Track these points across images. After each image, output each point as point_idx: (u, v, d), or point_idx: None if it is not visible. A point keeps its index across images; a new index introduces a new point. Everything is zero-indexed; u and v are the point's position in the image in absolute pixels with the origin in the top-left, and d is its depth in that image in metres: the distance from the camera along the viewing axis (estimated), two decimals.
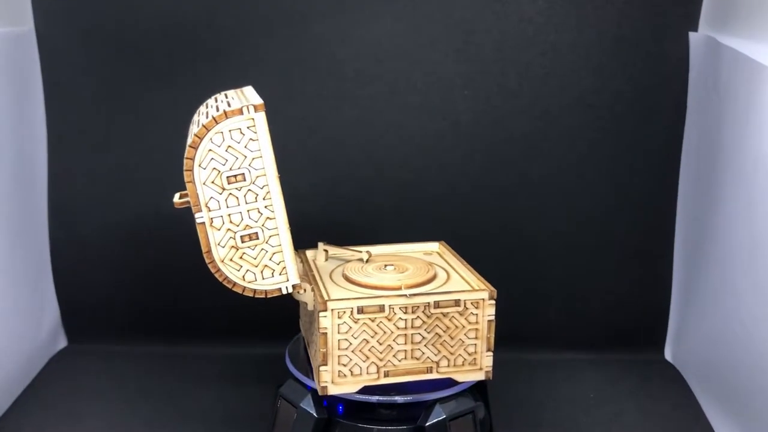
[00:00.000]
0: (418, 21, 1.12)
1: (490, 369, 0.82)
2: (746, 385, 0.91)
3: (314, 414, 0.81)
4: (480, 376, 0.82)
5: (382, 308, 0.77)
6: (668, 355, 1.22)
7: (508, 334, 1.05)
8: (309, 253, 0.95)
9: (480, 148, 1.16)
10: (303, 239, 0.93)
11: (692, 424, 1.02)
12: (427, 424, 0.79)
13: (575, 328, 1.22)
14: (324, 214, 1.16)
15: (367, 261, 0.90)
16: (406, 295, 0.78)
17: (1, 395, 1.03)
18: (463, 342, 0.80)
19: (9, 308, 1.06)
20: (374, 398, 0.80)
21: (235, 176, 0.73)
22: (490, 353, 0.82)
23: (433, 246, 0.99)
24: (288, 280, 0.76)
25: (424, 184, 1.17)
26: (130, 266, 1.21)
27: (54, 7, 1.12)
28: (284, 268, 0.76)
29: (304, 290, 0.79)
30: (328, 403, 0.83)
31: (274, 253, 0.75)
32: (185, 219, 1.20)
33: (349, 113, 1.15)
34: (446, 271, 0.90)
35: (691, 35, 1.11)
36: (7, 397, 1.04)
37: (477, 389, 0.86)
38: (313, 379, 0.82)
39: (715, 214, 1.02)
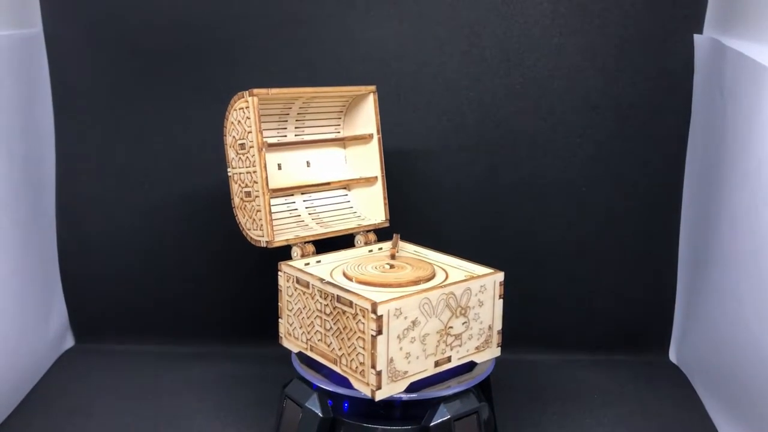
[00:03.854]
0: (425, 23, 1.12)
1: (375, 389, 0.76)
2: (750, 386, 0.91)
3: (319, 414, 0.82)
4: (366, 391, 0.77)
5: (307, 285, 0.84)
6: (672, 356, 1.22)
7: (512, 335, 1.05)
8: (387, 243, 1.00)
9: (485, 150, 1.16)
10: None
11: (696, 425, 1.02)
12: (432, 424, 0.79)
13: (580, 329, 1.22)
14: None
15: (392, 257, 0.92)
16: (321, 280, 0.82)
17: (10, 393, 1.03)
18: (355, 347, 0.78)
19: (18, 308, 1.07)
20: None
21: (242, 145, 0.89)
22: (373, 371, 0.75)
23: (483, 269, 0.89)
24: (264, 236, 0.89)
25: (430, 185, 1.17)
26: (136, 267, 1.21)
27: (62, 9, 1.13)
28: (262, 225, 0.89)
29: (296, 254, 0.92)
30: (333, 403, 0.83)
31: (257, 212, 0.90)
32: (191, 221, 1.21)
33: None
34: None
35: (696, 37, 1.11)
36: (16, 395, 1.05)
37: (481, 389, 0.86)
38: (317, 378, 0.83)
39: (720, 216, 1.02)
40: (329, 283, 0.81)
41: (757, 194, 0.89)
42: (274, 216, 0.95)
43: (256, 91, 0.86)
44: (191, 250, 1.21)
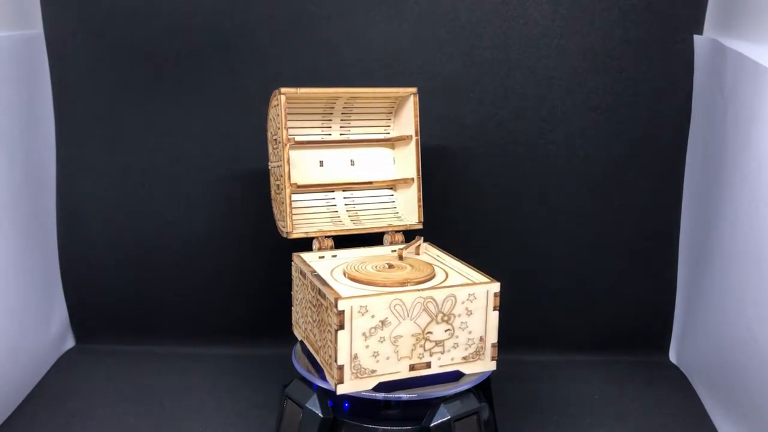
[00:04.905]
0: (425, 24, 1.13)
1: (335, 384, 0.77)
2: (750, 386, 0.91)
3: (320, 414, 0.82)
4: (332, 384, 0.78)
5: (304, 275, 0.86)
6: (673, 357, 1.22)
7: (513, 335, 1.06)
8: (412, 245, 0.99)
9: (485, 151, 1.16)
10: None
11: (696, 425, 1.02)
12: (432, 424, 0.79)
13: (580, 329, 1.22)
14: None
15: (401, 259, 0.93)
16: (312, 272, 0.85)
17: (11, 393, 1.04)
18: (326, 340, 0.79)
19: (19, 308, 1.07)
20: (380, 395, 0.80)
21: (275, 140, 0.95)
22: (334, 365, 0.77)
23: (480, 277, 0.86)
24: (286, 227, 0.93)
25: (430, 186, 1.17)
26: (136, 267, 1.21)
27: (63, 10, 1.13)
28: (285, 217, 0.93)
29: (315, 247, 0.95)
30: (333, 403, 0.83)
31: (282, 203, 0.94)
32: (192, 222, 1.22)
33: None
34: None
35: (696, 38, 1.11)
36: (16, 395, 1.05)
37: (482, 390, 0.86)
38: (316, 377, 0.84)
39: (720, 217, 1.02)
40: (317, 275, 0.83)
41: (757, 194, 0.90)
42: (308, 210, 0.99)
43: (284, 90, 0.91)
44: (191, 251, 1.21)
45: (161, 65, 1.15)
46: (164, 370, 1.16)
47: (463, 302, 0.80)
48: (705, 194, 1.09)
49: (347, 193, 1.01)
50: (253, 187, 1.18)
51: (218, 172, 1.18)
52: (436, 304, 0.79)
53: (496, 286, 0.81)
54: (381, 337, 0.77)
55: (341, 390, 0.77)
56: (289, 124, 0.97)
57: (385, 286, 0.82)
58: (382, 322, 0.77)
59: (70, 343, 1.25)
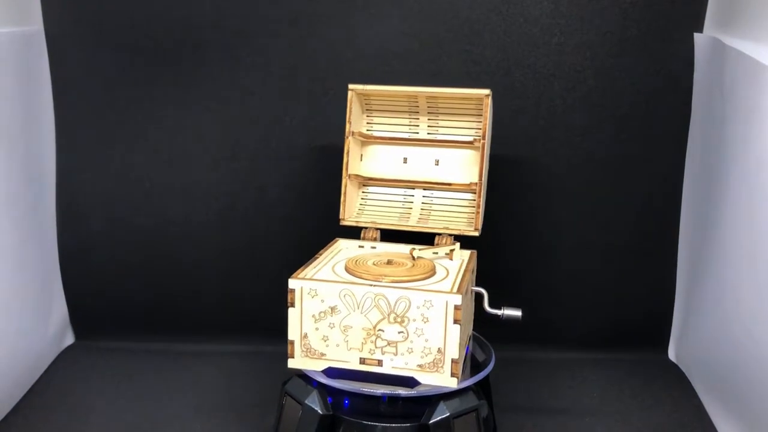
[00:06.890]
0: (424, 22, 1.13)
1: (289, 357, 0.83)
2: (749, 385, 0.91)
3: (319, 411, 0.82)
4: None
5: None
6: (672, 355, 1.22)
7: (512, 334, 1.06)
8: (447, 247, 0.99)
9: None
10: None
11: (695, 423, 1.02)
12: (431, 421, 0.79)
13: (579, 328, 1.22)
14: (330, 215, 1.17)
15: (414, 258, 0.92)
16: (318, 255, 0.92)
17: (11, 390, 1.04)
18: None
19: (19, 305, 1.07)
20: (379, 392, 0.81)
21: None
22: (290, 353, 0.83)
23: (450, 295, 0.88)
24: (340, 214, 0.99)
25: None
26: (136, 265, 1.22)
27: (62, 7, 1.13)
28: (341, 204, 0.99)
29: (362, 236, 1.00)
30: (333, 400, 0.84)
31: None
32: (192, 218, 1.22)
33: None
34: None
35: (696, 36, 1.11)
36: (17, 392, 1.05)
37: (481, 387, 0.86)
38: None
39: (719, 215, 1.02)
40: (315, 258, 0.90)
41: (755, 193, 0.90)
42: (380, 202, 1.03)
43: (351, 86, 0.97)
44: (191, 248, 1.21)
45: (162, 61, 1.15)
46: (164, 366, 1.16)
47: (418, 307, 0.79)
48: (704, 193, 1.09)
49: (427, 192, 1.02)
50: (254, 183, 1.18)
51: (219, 167, 1.18)
52: (388, 302, 0.80)
53: (456, 298, 0.78)
54: (331, 323, 0.81)
55: (291, 364, 0.83)
56: (375, 119, 1.02)
57: (361, 278, 0.84)
58: (332, 309, 0.80)
59: (69, 339, 1.25)
